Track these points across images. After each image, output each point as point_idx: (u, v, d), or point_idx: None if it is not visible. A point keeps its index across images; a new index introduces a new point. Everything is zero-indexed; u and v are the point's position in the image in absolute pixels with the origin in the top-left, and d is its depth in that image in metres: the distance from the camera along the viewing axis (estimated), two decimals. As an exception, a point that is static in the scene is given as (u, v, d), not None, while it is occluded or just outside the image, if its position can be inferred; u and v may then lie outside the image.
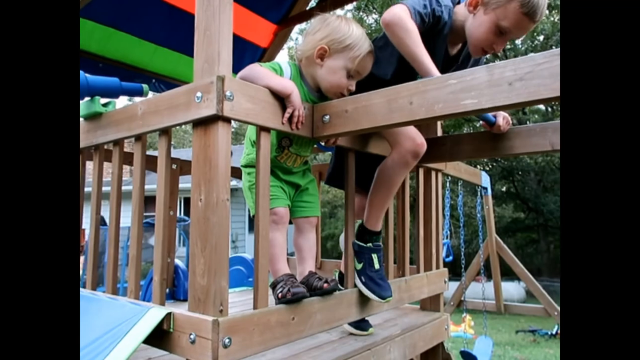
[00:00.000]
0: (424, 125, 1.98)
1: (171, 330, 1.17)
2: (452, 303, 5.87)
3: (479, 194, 5.34)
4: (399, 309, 2.29)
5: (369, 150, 1.71)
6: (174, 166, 2.48)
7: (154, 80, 3.14)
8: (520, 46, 15.51)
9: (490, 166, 15.97)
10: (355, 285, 1.61)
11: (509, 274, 6.64)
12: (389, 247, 1.81)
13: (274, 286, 1.38)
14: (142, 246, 1.44)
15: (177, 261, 2.69)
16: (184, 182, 2.74)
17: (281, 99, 1.31)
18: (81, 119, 1.64)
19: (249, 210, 1.51)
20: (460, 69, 1.69)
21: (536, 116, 16.02)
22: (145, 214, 1.48)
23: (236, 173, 1.83)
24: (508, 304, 6.08)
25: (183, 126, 1.31)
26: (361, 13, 15.60)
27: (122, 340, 1.10)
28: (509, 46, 14.63)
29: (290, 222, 1.56)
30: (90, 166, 1.73)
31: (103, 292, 1.54)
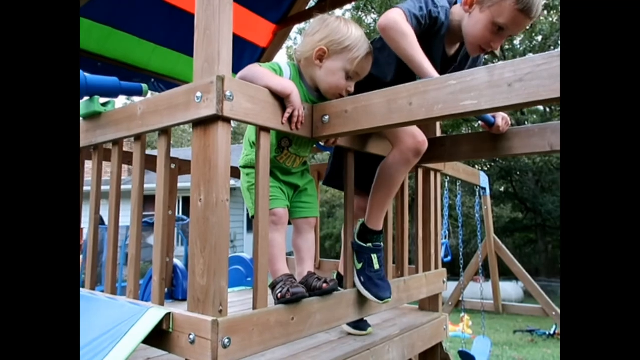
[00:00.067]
0: (424, 125, 1.98)
1: (171, 330, 1.17)
2: (450, 303, 5.87)
3: (477, 194, 5.35)
4: (397, 309, 2.29)
5: (369, 150, 1.71)
6: (173, 166, 2.48)
7: (153, 80, 3.13)
8: (518, 46, 15.54)
9: (488, 166, 15.99)
10: (355, 285, 1.61)
11: (507, 274, 6.65)
12: (388, 247, 1.81)
13: (273, 286, 1.38)
14: (141, 245, 1.44)
15: (176, 261, 2.69)
16: (182, 182, 2.74)
17: (281, 99, 1.31)
18: (80, 119, 1.64)
19: (247, 210, 1.51)
20: (459, 69, 1.70)
21: (535, 117, 16.03)
22: (143, 213, 1.48)
23: (235, 173, 1.83)
24: (506, 304, 6.08)
25: (182, 125, 1.31)
26: (360, 13, 15.62)
27: (121, 341, 1.10)
28: (507, 47, 14.65)
29: (289, 223, 1.56)
30: (89, 165, 1.72)
31: (102, 292, 1.54)
